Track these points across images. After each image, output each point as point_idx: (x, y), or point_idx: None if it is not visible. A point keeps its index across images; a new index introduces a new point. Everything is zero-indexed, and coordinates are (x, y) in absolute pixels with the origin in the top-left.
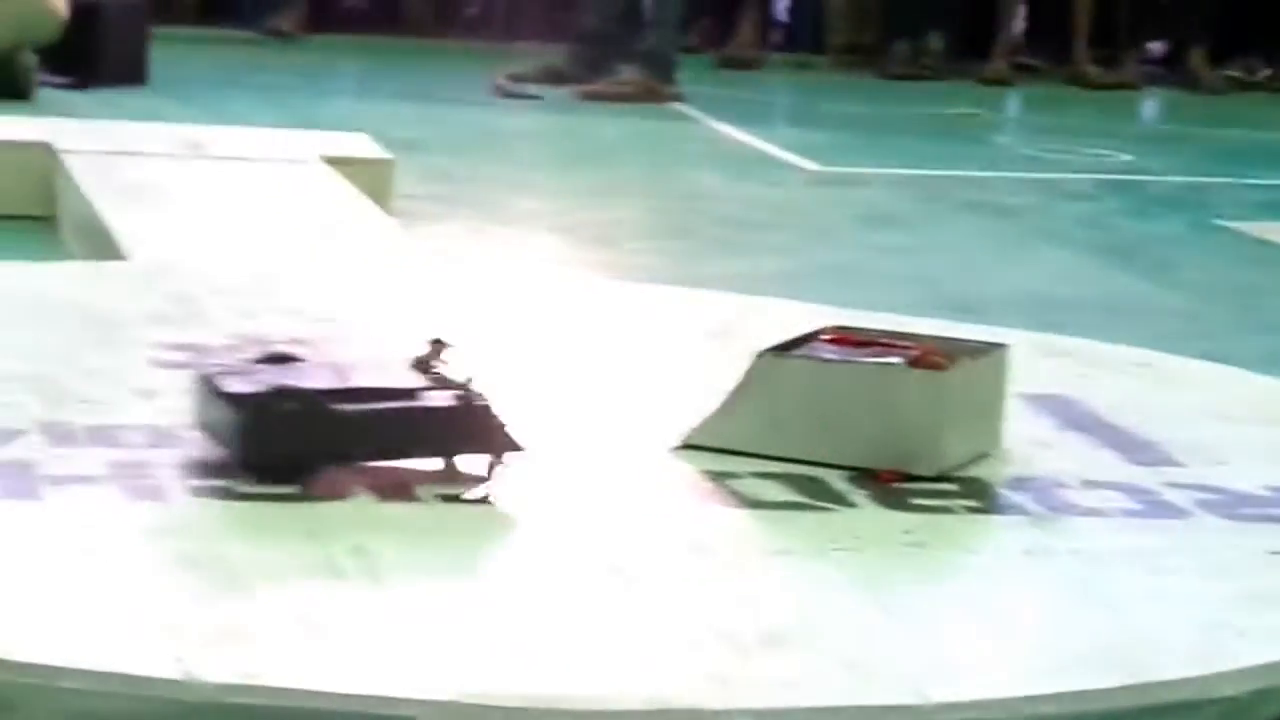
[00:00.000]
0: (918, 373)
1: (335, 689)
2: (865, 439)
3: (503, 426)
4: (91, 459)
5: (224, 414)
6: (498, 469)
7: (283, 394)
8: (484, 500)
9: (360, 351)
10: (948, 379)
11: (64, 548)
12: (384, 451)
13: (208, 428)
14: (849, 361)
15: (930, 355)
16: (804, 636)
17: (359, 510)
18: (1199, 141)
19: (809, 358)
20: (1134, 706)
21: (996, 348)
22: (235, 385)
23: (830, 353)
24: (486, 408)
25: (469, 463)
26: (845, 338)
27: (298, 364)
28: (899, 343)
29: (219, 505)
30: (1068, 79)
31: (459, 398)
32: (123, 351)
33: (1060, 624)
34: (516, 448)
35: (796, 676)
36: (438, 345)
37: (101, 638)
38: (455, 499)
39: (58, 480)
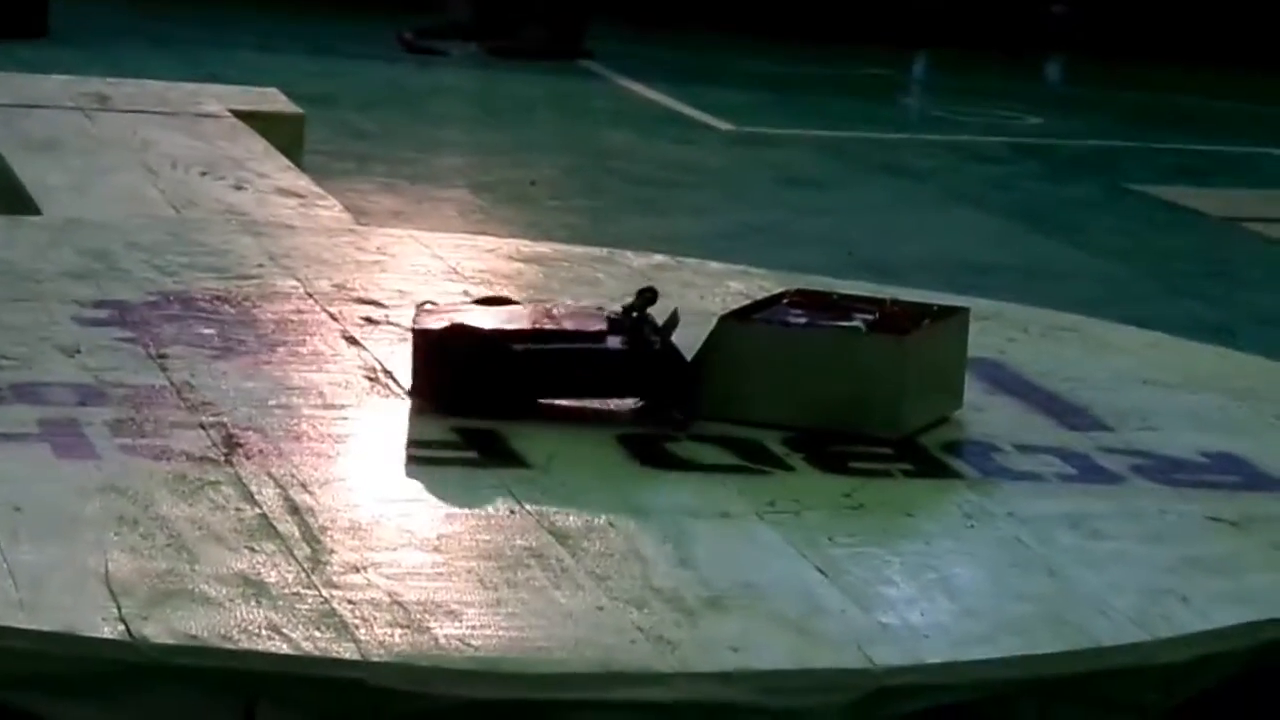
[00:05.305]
0: (878, 337)
1: (280, 650)
2: (827, 403)
3: (679, 377)
4: (19, 416)
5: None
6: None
7: (457, 331)
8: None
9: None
10: (908, 342)
11: None
12: (561, 389)
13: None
14: (810, 325)
15: (891, 318)
16: (747, 599)
17: (295, 468)
18: (1105, 106)
19: (770, 322)
20: (1078, 671)
21: (958, 311)
22: (425, 320)
23: (792, 316)
24: (663, 355)
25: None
26: (809, 300)
27: (508, 306)
28: (862, 306)
29: (151, 464)
30: None
31: (635, 344)
32: (43, 308)
33: (1002, 588)
34: (684, 401)
35: (742, 640)
36: (646, 294)
37: (43, 598)
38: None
39: None
